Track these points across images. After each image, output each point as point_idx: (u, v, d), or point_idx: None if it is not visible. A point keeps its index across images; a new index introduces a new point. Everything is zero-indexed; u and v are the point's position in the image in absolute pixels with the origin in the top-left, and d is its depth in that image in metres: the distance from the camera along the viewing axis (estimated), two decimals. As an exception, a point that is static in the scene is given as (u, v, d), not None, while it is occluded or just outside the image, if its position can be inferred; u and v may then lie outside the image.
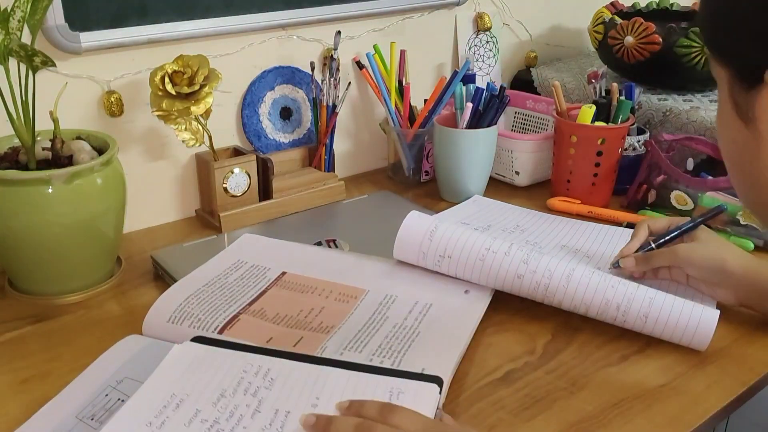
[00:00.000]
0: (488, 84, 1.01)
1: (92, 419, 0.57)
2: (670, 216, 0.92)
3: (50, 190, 0.71)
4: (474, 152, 0.99)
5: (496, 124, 1.00)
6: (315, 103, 1.03)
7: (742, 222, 0.85)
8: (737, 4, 0.41)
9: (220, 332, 0.66)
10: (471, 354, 0.68)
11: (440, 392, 0.57)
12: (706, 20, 0.44)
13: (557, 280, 0.71)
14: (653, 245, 0.76)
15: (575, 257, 0.82)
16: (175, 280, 0.76)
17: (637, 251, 0.76)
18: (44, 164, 0.76)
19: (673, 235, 0.76)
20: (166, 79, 0.84)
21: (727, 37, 0.43)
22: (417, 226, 0.77)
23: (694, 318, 0.67)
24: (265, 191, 0.98)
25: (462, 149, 0.99)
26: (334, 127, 1.03)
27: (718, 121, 0.46)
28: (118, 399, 0.59)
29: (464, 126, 1.00)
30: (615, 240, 0.87)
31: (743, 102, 0.42)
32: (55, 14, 0.80)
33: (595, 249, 0.85)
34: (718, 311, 0.68)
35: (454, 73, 1.05)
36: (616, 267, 0.77)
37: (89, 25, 0.83)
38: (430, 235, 0.75)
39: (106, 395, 0.60)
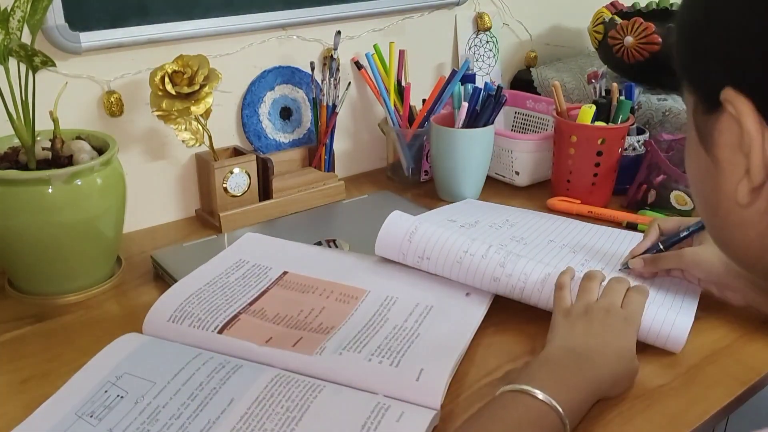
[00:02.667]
0: (486, 84, 1.01)
1: (91, 416, 0.57)
2: (671, 216, 0.93)
3: (50, 190, 0.71)
4: (470, 152, 0.99)
5: (492, 123, 1.00)
6: (315, 103, 1.03)
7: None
8: (702, 26, 0.41)
9: (220, 332, 0.66)
10: (471, 354, 0.68)
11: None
12: (678, 44, 0.44)
13: (532, 285, 0.71)
14: (662, 247, 0.77)
15: (560, 253, 0.82)
16: (175, 280, 0.76)
17: (646, 252, 0.77)
18: (44, 164, 0.76)
19: (682, 236, 0.76)
20: (166, 79, 0.84)
21: (694, 60, 0.43)
22: (397, 226, 0.77)
23: (667, 325, 0.67)
24: (265, 191, 0.98)
25: (458, 149, 0.99)
26: (334, 127, 1.03)
27: (686, 152, 0.47)
28: (117, 395, 0.59)
29: (461, 125, 1.00)
30: (604, 237, 0.87)
31: (704, 127, 0.42)
32: (55, 14, 0.80)
33: (582, 245, 0.85)
34: (692, 319, 0.69)
35: (453, 73, 1.05)
36: (626, 268, 0.78)
37: (89, 25, 0.83)
38: (409, 237, 0.76)
39: (106, 391, 0.59)
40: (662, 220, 0.80)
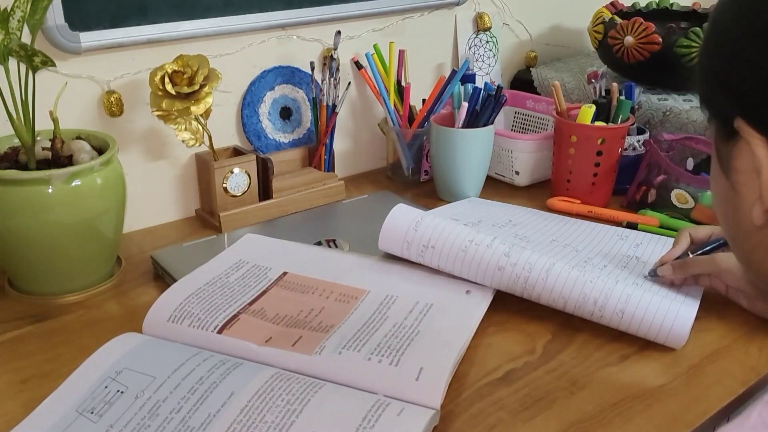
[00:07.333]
0: (485, 84, 1.01)
1: (92, 412, 0.57)
2: (671, 215, 0.93)
3: (50, 190, 0.71)
4: (470, 151, 0.99)
5: (492, 123, 1.00)
6: (315, 103, 1.03)
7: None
8: (714, 58, 0.43)
9: (220, 332, 0.66)
10: (471, 354, 0.68)
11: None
12: (698, 72, 0.46)
13: (537, 274, 0.71)
14: (691, 255, 0.75)
15: (563, 251, 0.82)
16: (175, 280, 0.76)
17: (676, 259, 0.75)
18: (44, 164, 0.76)
19: (713, 246, 0.75)
20: (166, 79, 0.84)
21: (709, 90, 0.44)
22: (403, 216, 0.78)
23: (670, 316, 0.67)
24: (265, 191, 0.98)
25: (458, 148, 0.99)
26: (334, 127, 1.03)
27: (711, 176, 0.48)
28: (118, 390, 0.59)
29: (460, 125, 1.00)
30: (607, 237, 0.88)
31: (724, 153, 0.44)
32: (55, 14, 0.80)
33: (586, 245, 0.85)
34: (695, 310, 0.69)
35: (453, 73, 1.05)
36: (654, 275, 0.75)
37: (89, 25, 0.83)
38: (415, 226, 0.76)
39: (106, 387, 0.59)
40: (693, 229, 0.78)
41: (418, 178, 1.10)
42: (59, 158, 0.76)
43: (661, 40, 1.06)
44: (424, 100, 1.08)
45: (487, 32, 1.24)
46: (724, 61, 0.42)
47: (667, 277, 0.74)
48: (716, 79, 0.43)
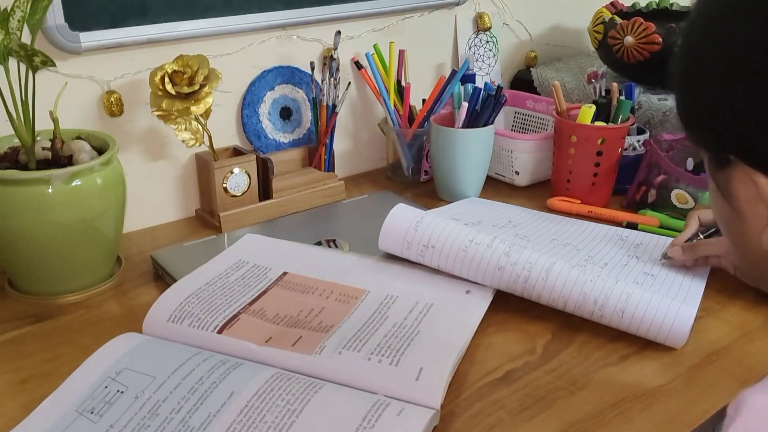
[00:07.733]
0: (485, 84, 1.01)
1: (92, 412, 0.57)
2: (672, 215, 0.93)
3: (50, 190, 0.71)
4: (470, 152, 0.99)
5: (492, 123, 1.00)
6: (315, 103, 1.03)
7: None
8: (693, 99, 0.42)
9: (220, 332, 0.66)
10: (471, 354, 0.68)
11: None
12: (678, 107, 0.45)
13: (537, 273, 0.71)
14: (701, 236, 0.78)
15: (563, 251, 0.82)
16: (175, 280, 0.76)
17: (686, 241, 0.79)
18: (44, 164, 0.76)
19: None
20: (166, 79, 0.84)
21: (693, 127, 0.43)
22: (403, 216, 0.78)
23: (670, 315, 0.67)
24: (265, 191, 0.98)
25: (458, 148, 0.99)
26: (334, 127, 1.03)
27: (710, 197, 0.47)
28: (118, 390, 0.59)
29: (461, 125, 1.00)
30: (607, 237, 0.88)
31: (720, 180, 0.43)
32: (55, 14, 0.80)
33: (585, 244, 0.85)
34: (695, 310, 0.69)
35: (453, 73, 1.05)
36: (666, 258, 0.79)
37: (89, 25, 0.83)
38: (415, 225, 0.76)
39: (106, 387, 0.60)
40: (702, 212, 0.81)
41: (418, 178, 1.10)
42: (59, 158, 0.76)
43: (661, 40, 1.06)
44: (424, 100, 1.08)
45: (487, 32, 1.24)
46: (706, 106, 0.40)
47: (677, 259, 0.78)
48: (699, 121, 0.42)
